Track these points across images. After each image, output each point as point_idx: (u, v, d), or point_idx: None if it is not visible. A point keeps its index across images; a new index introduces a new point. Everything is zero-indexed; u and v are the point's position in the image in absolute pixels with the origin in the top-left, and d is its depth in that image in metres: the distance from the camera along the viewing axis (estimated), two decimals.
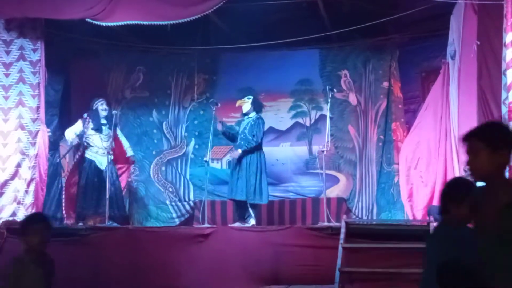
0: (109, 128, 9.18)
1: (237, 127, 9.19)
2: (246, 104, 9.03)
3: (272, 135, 10.66)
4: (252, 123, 8.89)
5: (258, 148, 8.83)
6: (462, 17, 8.13)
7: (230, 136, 9.17)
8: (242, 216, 8.82)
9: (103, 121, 9.18)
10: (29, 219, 4.75)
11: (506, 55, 6.93)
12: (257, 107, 9.15)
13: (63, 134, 10.09)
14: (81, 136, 9.14)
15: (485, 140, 3.14)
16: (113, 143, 9.18)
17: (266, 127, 10.35)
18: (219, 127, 9.03)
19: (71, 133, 9.19)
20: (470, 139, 3.19)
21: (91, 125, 9.11)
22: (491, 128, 3.29)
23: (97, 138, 9.11)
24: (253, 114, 9.01)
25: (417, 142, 8.74)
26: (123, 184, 9.64)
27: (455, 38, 8.31)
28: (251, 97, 9.13)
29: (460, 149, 8.04)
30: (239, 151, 8.69)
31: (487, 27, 7.84)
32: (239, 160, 8.72)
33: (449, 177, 8.22)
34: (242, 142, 8.80)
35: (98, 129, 9.11)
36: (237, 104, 9.18)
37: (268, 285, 6.98)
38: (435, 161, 8.42)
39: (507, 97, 6.91)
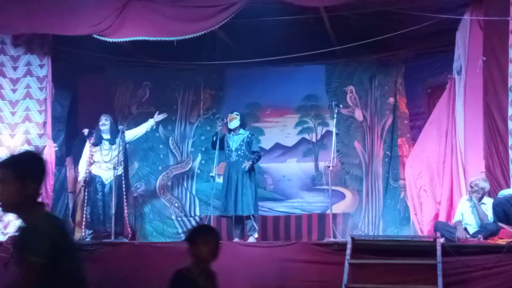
0: (111, 142, 9.17)
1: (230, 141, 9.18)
2: (235, 121, 9.08)
3: (278, 151, 10.68)
4: (248, 140, 9.02)
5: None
6: (468, 33, 8.15)
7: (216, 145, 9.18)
8: (243, 231, 8.85)
9: (106, 136, 9.18)
10: (197, 229, 4.50)
11: None
12: (244, 124, 9.31)
13: (69, 149, 10.14)
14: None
15: (15, 170, 3.09)
16: (121, 157, 9.16)
17: (273, 143, 10.42)
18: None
19: (83, 166, 9.19)
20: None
21: (92, 140, 9.14)
22: (22, 159, 3.22)
23: (98, 154, 9.12)
24: (242, 131, 9.12)
25: (421, 157, 8.72)
26: None
27: (461, 54, 8.32)
28: (239, 113, 9.20)
29: (467, 165, 8.05)
30: (249, 162, 8.83)
31: (493, 43, 7.86)
32: (236, 177, 8.82)
33: (456, 193, 8.22)
34: (245, 160, 8.88)
35: (97, 144, 9.13)
36: (228, 119, 9.17)
37: None
38: (439, 177, 8.40)
39: None
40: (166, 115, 9.73)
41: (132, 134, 9.45)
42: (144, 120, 10.51)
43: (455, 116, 8.37)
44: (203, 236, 4.24)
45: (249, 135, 9.09)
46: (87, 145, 9.20)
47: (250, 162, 8.84)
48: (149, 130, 9.64)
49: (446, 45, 9.11)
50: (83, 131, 9.27)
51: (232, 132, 9.11)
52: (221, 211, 9.03)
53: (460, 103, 8.28)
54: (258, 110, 10.64)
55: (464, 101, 8.15)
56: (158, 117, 9.56)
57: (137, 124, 10.75)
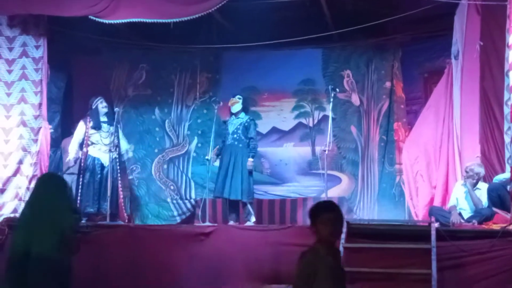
0: (110, 125, 9.15)
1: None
2: (237, 104, 9.10)
3: (275, 135, 10.68)
4: (246, 124, 9.03)
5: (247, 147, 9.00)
6: (465, 18, 8.13)
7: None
8: (238, 215, 8.88)
9: (103, 119, 9.15)
10: (320, 207, 4.17)
11: (509, 56, 6.91)
12: (246, 108, 9.32)
13: (65, 131, 10.11)
14: (81, 144, 9.11)
15: None
16: (116, 140, 9.14)
17: (269, 127, 10.41)
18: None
19: (74, 146, 9.09)
20: None
21: (91, 123, 9.10)
22: None
23: (97, 136, 9.10)
24: (243, 115, 9.13)
25: (418, 142, 8.73)
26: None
27: (458, 38, 8.30)
28: (241, 97, 9.21)
29: (463, 150, 8.06)
30: (251, 159, 8.88)
31: (490, 28, 7.84)
32: (229, 159, 8.87)
33: (451, 178, 8.23)
34: (240, 144, 8.94)
35: (96, 127, 9.10)
36: (229, 103, 9.19)
37: (268, 284, 6.97)
38: (436, 162, 8.41)
39: (509, 98, 6.89)
40: None
41: (74, 146, 9.16)
42: (141, 102, 10.53)
43: (452, 101, 8.36)
44: (326, 215, 4.03)
45: (248, 120, 9.09)
46: (81, 126, 9.14)
47: (252, 160, 8.88)
48: (80, 141, 9.18)
49: (443, 29, 9.07)
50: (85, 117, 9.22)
51: (233, 116, 9.11)
52: (214, 193, 9.09)
53: (457, 87, 8.28)
54: (255, 94, 10.61)
55: (461, 86, 8.14)
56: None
57: (133, 106, 10.77)
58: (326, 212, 4.04)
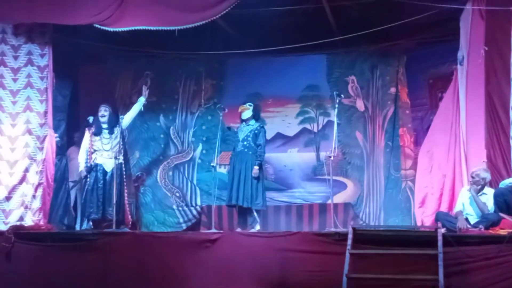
0: (110, 132, 9.16)
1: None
2: (247, 111, 9.12)
3: (279, 141, 10.69)
4: (256, 131, 9.05)
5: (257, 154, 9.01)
6: (470, 23, 8.12)
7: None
8: (245, 222, 8.88)
9: (104, 126, 9.18)
10: None
11: None
12: (257, 115, 9.29)
13: (70, 139, 10.13)
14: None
15: None
16: (121, 147, 9.16)
17: (274, 133, 10.42)
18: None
19: (83, 155, 9.17)
20: None
21: (92, 130, 9.13)
22: None
23: (99, 143, 9.13)
24: (253, 122, 9.15)
25: (430, 149, 8.69)
26: None
27: (463, 44, 8.29)
28: (252, 104, 9.24)
29: (469, 155, 8.04)
30: (257, 167, 8.89)
31: (495, 33, 7.84)
32: (240, 167, 8.87)
33: (457, 183, 8.21)
34: (250, 151, 8.97)
35: (97, 133, 9.13)
36: (239, 110, 9.22)
37: None
38: (444, 167, 8.38)
39: None
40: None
41: (128, 117, 9.37)
42: (145, 109, 10.50)
43: (459, 106, 8.34)
44: None
45: (258, 127, 9.12)
46: (87, 134, 9.19)
47: (257, 168, 8.89)
48: (142, 109, 9.47)
49: (448, 35, 9.06)
50: (88, 118, 9.26)
51: (243, 123, 9.12)
52: (227, 201, 9.11)
53: (462, 93, 8.26)
54: (259, 100, 10.60)
55: (466, 91, 8.12)
56: (146, 92, 9.49)
57: (138, 113, 10.76)
58: None
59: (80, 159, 9.18)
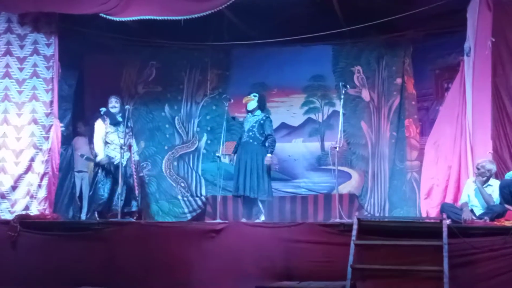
0: (124, 125, 9.14)
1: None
2: (252, 102, 9.10)
3: (284, 130, 10.68)
4: (262, 122, 9.01)
5: (264, 145, 8.97)
6: (477, 14, 8.08)
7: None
8: (250, 213, 8.89)
9: (119, 118, 9.15)
10: None
11: None
12: (262, 105, 9.25)
13: (76, 128, 10.13)
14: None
15: None
16: (129, 140, 9.16)
17: (278, 123, 10.40)
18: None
19: (100, 145, 9.07)
20: None
21: (108, 121, 9.10)
22: None
23: (115, 136, 9.09)
24: (258, 112, 9.12)
25: (437, 141, 8.67)
26: None
27: (470, 35, 8.25)
28: (257, 95, 9.21)
29: (475, 146, 8.03)
30: (270, 155, 8.88)
31: (502, 24, 7.81)
32: (245, 158, 8.87)
33: (463, 174, 8.20)
34: (255, 142, 8.95)
35: (116, 124, 9.11)
36: (243, 101, 9.21)
37: (279, 281, 6.96)
38: (450, 159, 8.37)
39: None
40: None
41: (100, 145, 9.17)
42: (151, 99, 10.54)
43: (465, 98, 8.32)
44: None
45: (264, 117, 9.08)
46: (101, 124, 9.13)
47: (270, 156, 8.88)
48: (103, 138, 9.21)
49: (455, 26, 9.02)
50: (100, 109, 9.23)
51: (249, 113, 9.12)
52: (233, 191, 9.12)
53: (468, 84, 8.23)
54: (264, 90, 10.58)
55: (473, 82, 8.10)
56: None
57: (143, 103, 10.78)
58: None
59: (98, 149, 9.08)
